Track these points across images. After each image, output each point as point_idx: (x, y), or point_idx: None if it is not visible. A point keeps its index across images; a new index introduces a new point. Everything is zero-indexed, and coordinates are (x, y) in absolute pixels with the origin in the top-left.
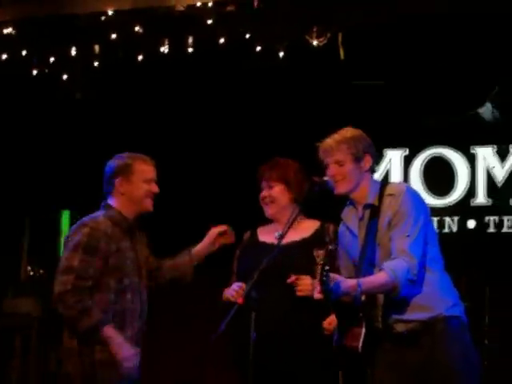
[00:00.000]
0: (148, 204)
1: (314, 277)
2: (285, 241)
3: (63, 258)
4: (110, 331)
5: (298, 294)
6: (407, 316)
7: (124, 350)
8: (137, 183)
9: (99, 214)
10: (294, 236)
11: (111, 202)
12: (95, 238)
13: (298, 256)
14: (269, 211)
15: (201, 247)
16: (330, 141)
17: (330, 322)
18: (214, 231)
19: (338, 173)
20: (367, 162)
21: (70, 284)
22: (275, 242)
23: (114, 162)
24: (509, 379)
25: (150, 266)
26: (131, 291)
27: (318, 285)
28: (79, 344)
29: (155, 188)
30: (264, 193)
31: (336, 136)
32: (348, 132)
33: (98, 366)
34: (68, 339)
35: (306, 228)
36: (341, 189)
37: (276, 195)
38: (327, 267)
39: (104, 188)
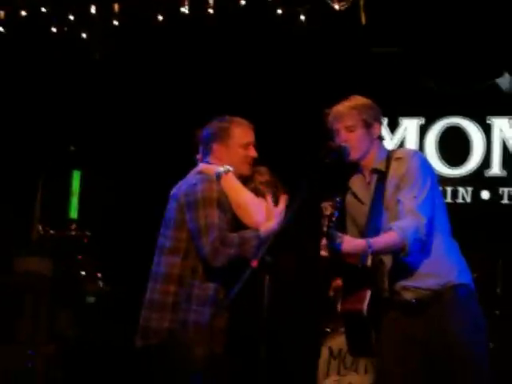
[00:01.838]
0: (245, 169)
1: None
2: None
3: (200, 215)
4: (270, 226)
5: None
6: (415, 283)
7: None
8: (233, 148)
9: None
10: None
11: None
12: (222, 193)
13: None
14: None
15: None
16: (340, 107)
17: (334, 285)
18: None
19: (348, 138)
20: (376, 128)
21: (218, 241)
22: None
23: (211, 126)
24: None
25: None
26: None
27: (324, 241)
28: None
29: (253, 152)
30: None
31: (346, 102)
32: (358, 99)
33: (190, 327)
34: (160, 293)
35: None
36: (353, 155)
37: None
38: (333, 219)
39: (202, 150)
